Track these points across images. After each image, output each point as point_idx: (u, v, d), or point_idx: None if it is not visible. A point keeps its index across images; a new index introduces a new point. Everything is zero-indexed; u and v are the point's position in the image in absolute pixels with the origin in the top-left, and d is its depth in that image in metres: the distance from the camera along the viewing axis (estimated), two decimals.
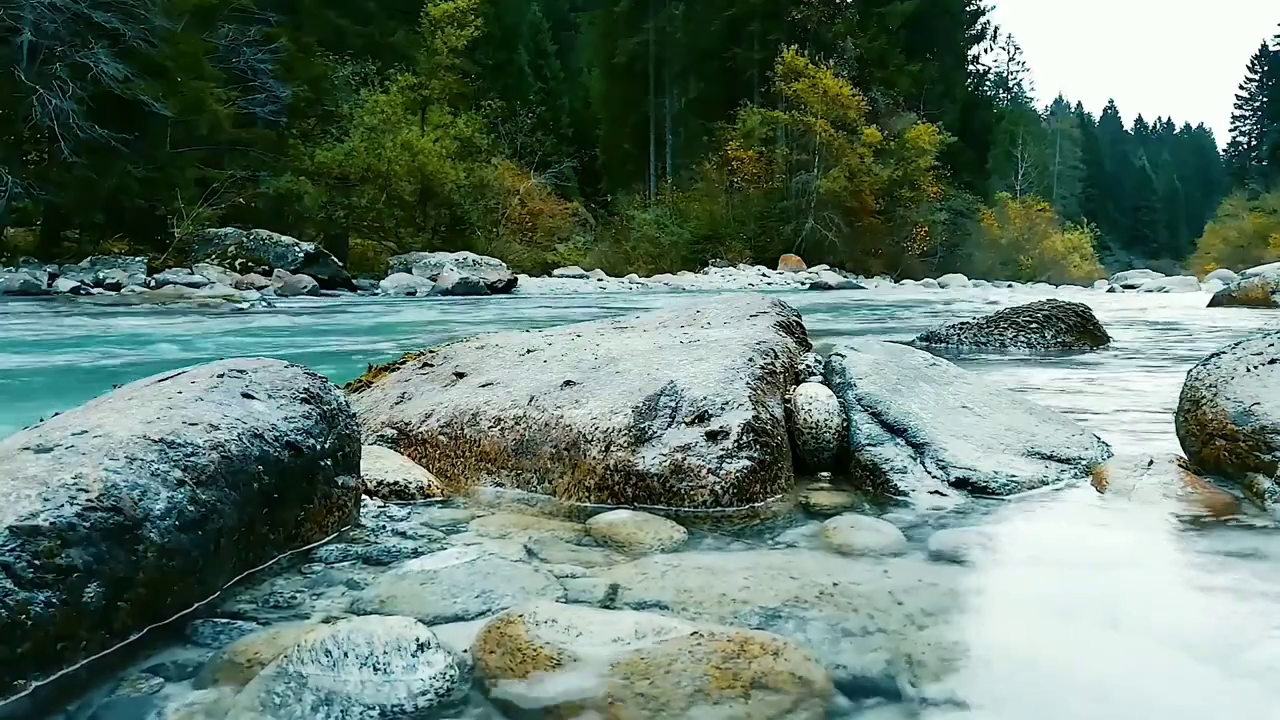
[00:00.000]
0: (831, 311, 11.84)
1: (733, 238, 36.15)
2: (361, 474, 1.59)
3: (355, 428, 1.56)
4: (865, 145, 36.28)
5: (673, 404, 1.76)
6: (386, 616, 0.96)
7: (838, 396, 1.93)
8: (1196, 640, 1.03)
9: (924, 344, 4.72)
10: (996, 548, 1.41)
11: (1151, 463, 1.73)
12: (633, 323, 2.59)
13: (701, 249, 35.28)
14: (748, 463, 1.66)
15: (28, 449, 1.12)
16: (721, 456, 1.66)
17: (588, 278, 25.59)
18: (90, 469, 1.07)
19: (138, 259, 16.87)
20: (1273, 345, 1.82)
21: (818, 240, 35.68)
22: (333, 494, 1.45)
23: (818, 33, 40.20)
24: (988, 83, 56.53)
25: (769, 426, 1.75)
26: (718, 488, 1.63)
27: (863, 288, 25.79)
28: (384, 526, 1.52)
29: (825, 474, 1.86)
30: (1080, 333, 4.78)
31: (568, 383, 1.92)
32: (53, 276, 14.85)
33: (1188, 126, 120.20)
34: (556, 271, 26.90)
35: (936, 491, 1.68)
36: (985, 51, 56.99)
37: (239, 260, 18.36)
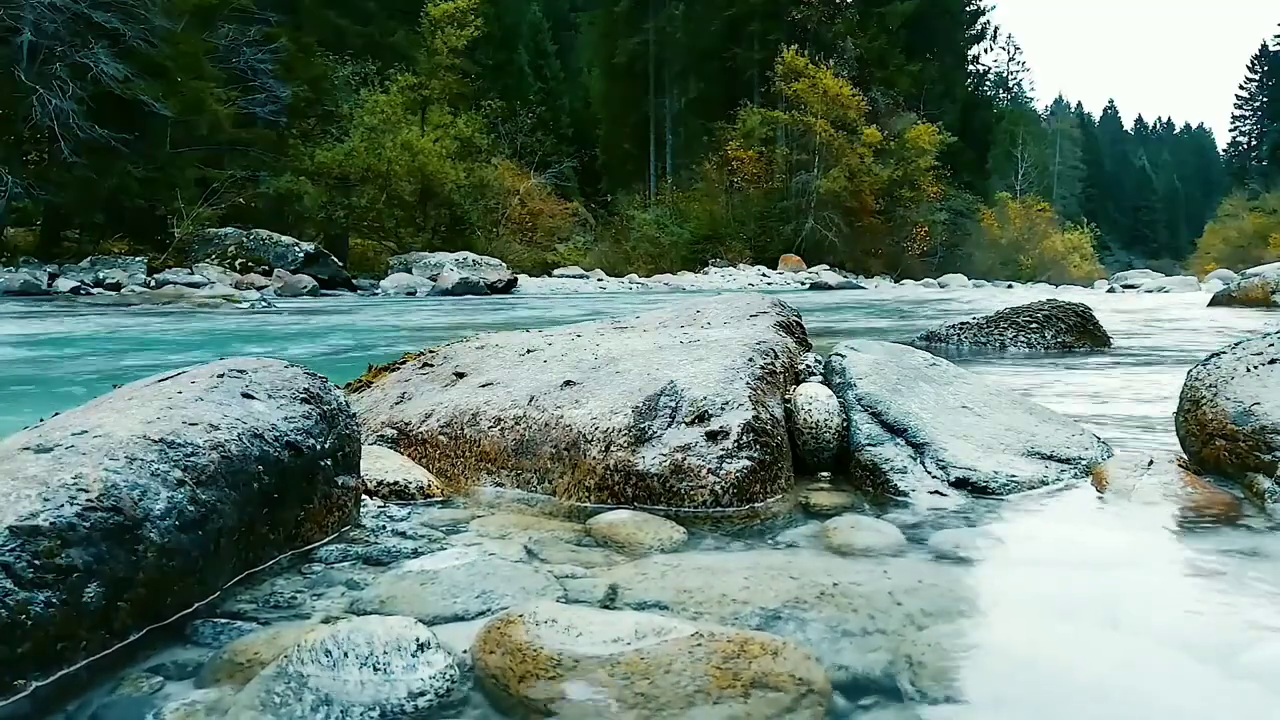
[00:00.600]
0: (831, 311, 11.84)
1: (733, 238, 36.16)
2: (361, 474, 1.59)
3: (355, 428, 1.56)
4: (865, 145, 36.30)
5: (673, 404, 1.76)
6: (386, 616, 0.96)
7: (838, 396, 1.93)
8: (1196, 640, 1.03)
9: (924, 344, 4.72)
10: (996, 548, 1.41)
11: (1151, 463, 1.73)
12: (633, 323, 2.59)
13: (701, 249, 35.29)
14: (748, 463, 1.66)
15: (28, 449, 1.12)
16: (721, 456, 1.66)
17: (588, 278, 25.59)
18: (90, 469, 1.07)
19: (138, 259, 16.89)
20: (1273, 345, 1.82)
21: (818, 240, 35.69)
22: (333, 494, 1.45)
23: (818, 33, 40.21)
24: (988, 83, 56.58)
25: (769, 426, 1.75)
26: (718, 488, 1.63)
27: (863, 288, 25.79)
28: (384, 526, 1.52)
29: (825, 474, 1.86)
30: (1080, 333, 4.78)
31: (568, 383, 1.92)
32: (53, 276, 14.86)
33: (1188, 126, 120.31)
34: (556, 271, 26.91)
35: (936, 491, 1.68)
36: (985, 51, 57.05)
37: (239, 260, 18.38)
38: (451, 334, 7.11)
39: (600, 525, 1.50)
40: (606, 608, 1.15)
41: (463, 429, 1.88)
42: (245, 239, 19.04)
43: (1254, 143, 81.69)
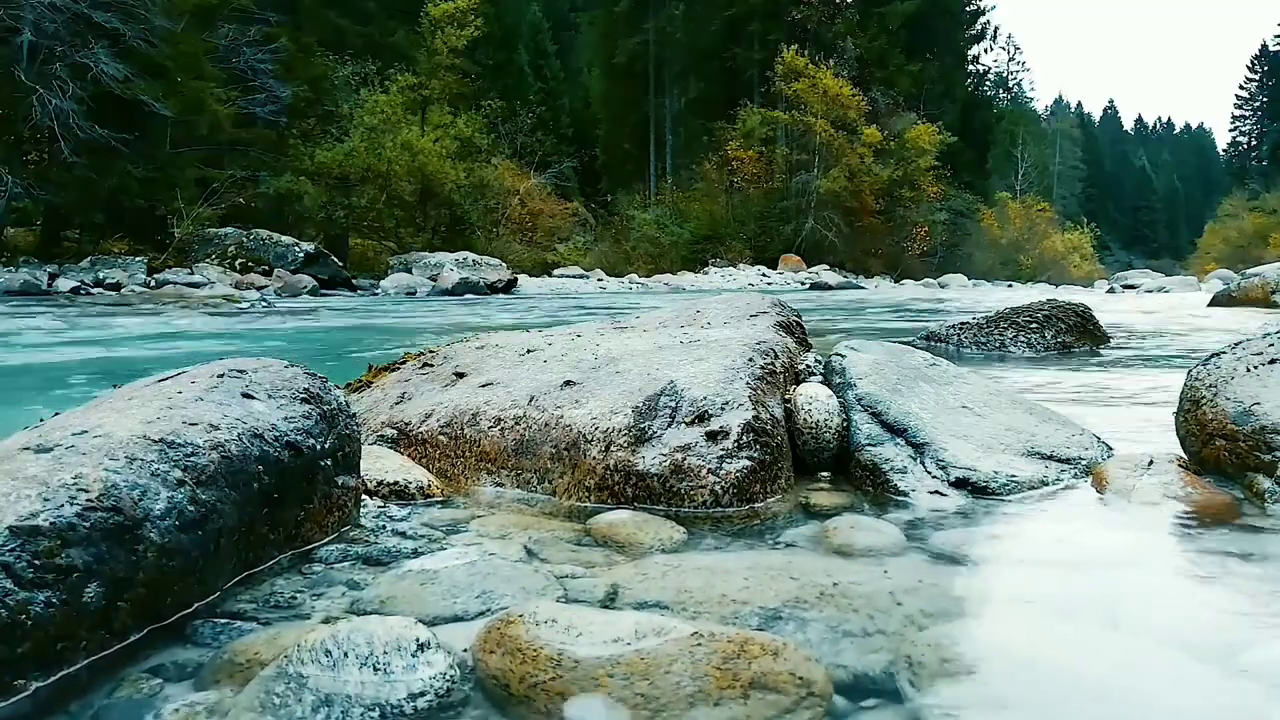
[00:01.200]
0: (831, 311, 11.84)
1: (733, 238, 36.17)
2: (361, 474, 1.59)
3: (355, 428, 1.56)
4: (865, 145, 36.30)
5: (673, 404, 1.76)
6: (386, 616, 0.96)
7: (838, 396, 1.93)
8: (1196, 640, 1.03)
9: (924, 344, 4.72)
10: (996, 548, 1.41)
11: (1151, 463, 1.73)
12: (633, 323, 2.59)
13: (701, 249, 35.29)
14: (748, 463, 1.66)
15: (28, 449, 1.12)
16: (721, 456, 1.66)
17: (588, 278, 25.59)
18: (90, 469, 1.07)
19: (138, 259, 16.89)
20: (1273, 345, 1.82)
21: (818, 240, 35.69)
22: (333, 494, 1.45)
23: (818, 33, 40.21)
24: (988, 83, 56.59)
25: (769, 426, 1.75)
26: (718, 488, 1.63)
27: (863, 288, 25.78)
28: (384, 526, 1.52)
29: (825, 474, 1.86)
30: (1080, 333, 4.78)
31: (568, 383, 1.92)
32: (53, 276, 14.85)
33: (1188, 126, 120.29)
34: (556, 271, 26.90)
35: (936, 491, 1.68)
36: (985, 51, 57.04)
37: (239, 260, 18.37)
38: (451, 334, 7.11)
39: (600, 525, 1.50)
40: (607, 608, 1.15)
41: (463, 429, 1.88)
42: (245, 239, 19.03)
43: (1254, 143, 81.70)
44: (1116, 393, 3.10)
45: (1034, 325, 4.72)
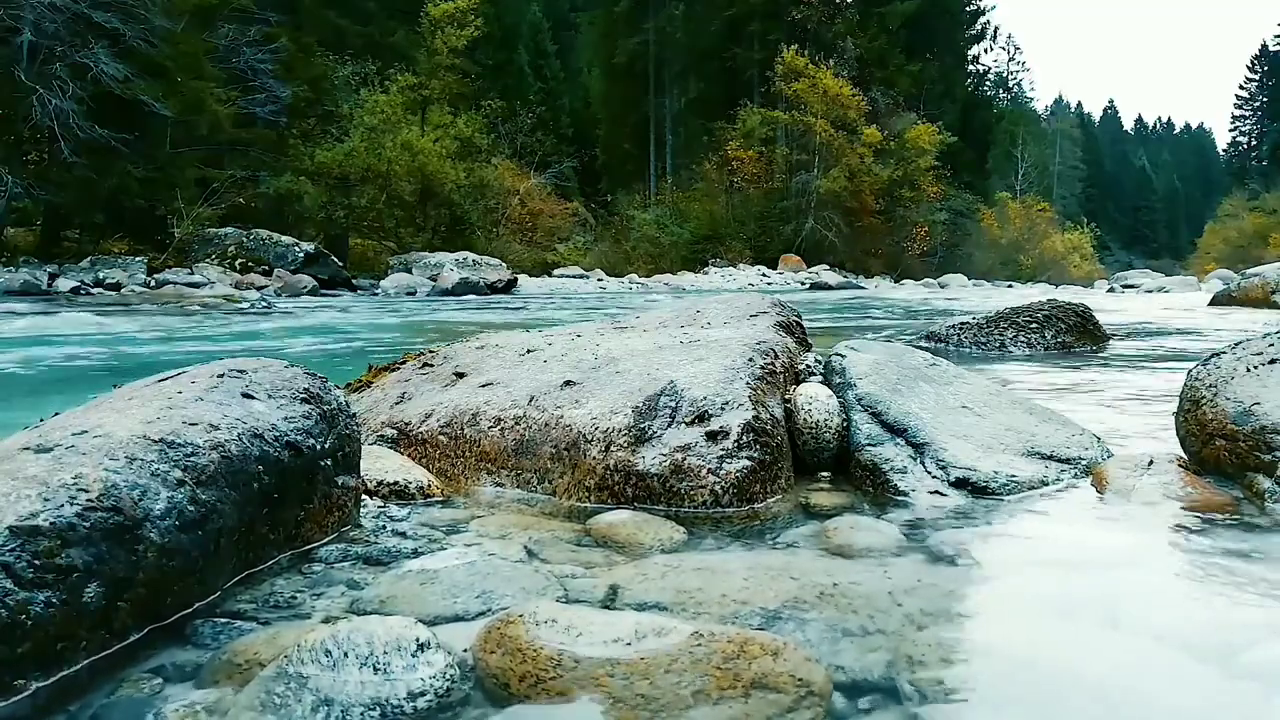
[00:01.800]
0: (831, 311, 11.84)
1: (733, 238, 36.15)
2: (361, 474, 1.59)
3: (355, 428, 1.56)
4: (865, 145, 36.29)
5: (673, 404, 1.76)
6: (386, 616, 0.96)
7: (838, 396, 1.93)
8: (1196, 640, 1.03)
9: (924, 344, 4.72)
10: (996, 548, 1.41)
11: (1151, 463, 1.73)
12: (633, 323, 2.59)
13: (701, 249, 35.28)
14: (748, 463, 1.66)
15: (28, 449, 1.12)
16: (721, 456, 1.66)
17: (588, 278, 25.59)
18: (90, 469, 1.07)
19: (138, 259, 16.88)
20: (1273, 345, 1.82)
21: (818, 240, 35.68)
22: (333, 494, 1.45)
23: (818, 33, 40.19)
24: (988, 83, 56.55)
25: (769, 426, 1.75)
26: (718, 488, 1.63)
27: (863, 288, 25.78)
28: (384, 526, 1.52)
29: (825, 474, 1.86)
30: (1080, 333, 4.78)
31: (568, 383, 1.92)
32: (53, 276, 14.85)
33: (1188, 126, 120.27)
34: (556, 271, 26.90)
35: (936, 491, 1.68)
36: (985, 51, 57.00)
37: (239, 260, 18.37)
38: (451, 334, 7.11)
39: (600, 525, 1.50)
40: (606, 608, 1.15)
41: (463, 429, 1.88)
42: (245, 239, 19.03)
43: (1254, 143, 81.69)
44: (1116, 393, 3.10)
45: (1034, 325, 4.73)
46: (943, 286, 27.48)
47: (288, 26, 24.80)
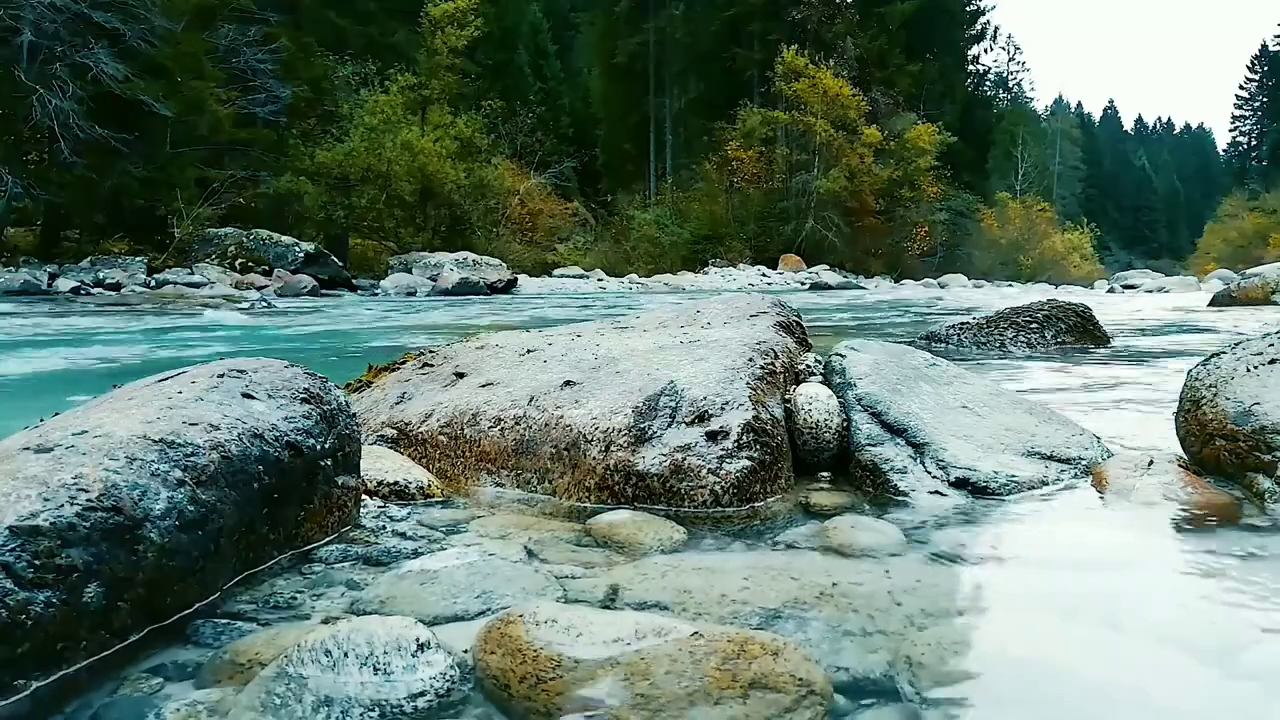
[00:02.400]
0: (831, 311, 11.84)
1: (733, 238, 36.14)
2: (361, 474, 1.59)
3: (355, 428, 1.56)
4: (865, 145, 36.27)
5: (673, 404, 1.76)
6: (386, 617, 0.96)
7: (838, 396, 1.93)
8: (1196, 640, 1.03)
9: (924, 344, 4.72)
10: (996, 548, 1.41)
11: (1151, 463, 1.73)
12: (633, 323, 2.59)
13: (701, 249, 35.27)
14: (748, 463, 1.66)
15: (28, 449, 1.12)
16: (721, 456, 1.66)
17: (588, 278, 25.59)
18: (90, 469, 1.07)
19: (138, 259, 16.89)
20: (1273, 345, 1.82)
21: (818, 240, 35.66)
22: (333, 494, 1.45)
23: (818, 33, 40.16)
24: (988, 83, 56.57)
25: (769, 426, 1.75)
26: (718, 488, 1.63)
27: (863, 288, 25.77)
28: (384, 527, 1.52)
29: (825, 474, 1.86)
30: (1080, 333, 4.78)
31: (568, 383, 1.92)
32: (53, 276, 14.86)
33: (1188, 126, 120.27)
34: (556, 271, 26.90)
35: (936, 492, 1.68)
36: (985, 51, 57.11)
37: (239, 260, 18.38)
38: (451, 334, 7.11)
39: (600, 525, 1.50)
40: (606, 608, 1.15)
41: (463, 429, 1.88)
42: (245, 239, 19.04)
43: (1254, 143, 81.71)
44: (1116, 393, 3.10)
45: (1034, 325, 4.73)
46: (943, 286, 27.47)
47: (288, 26, 24.81)
